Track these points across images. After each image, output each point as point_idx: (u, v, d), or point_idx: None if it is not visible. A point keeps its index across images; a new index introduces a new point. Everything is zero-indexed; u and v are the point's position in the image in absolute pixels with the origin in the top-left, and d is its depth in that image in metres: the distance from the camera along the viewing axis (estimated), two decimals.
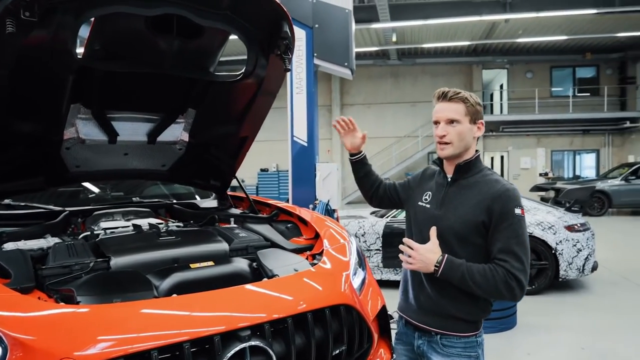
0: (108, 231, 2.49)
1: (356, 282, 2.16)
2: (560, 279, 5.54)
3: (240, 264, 2.01)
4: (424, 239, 1.68)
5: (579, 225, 5.78)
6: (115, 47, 2.19)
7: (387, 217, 6.62)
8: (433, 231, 1.66)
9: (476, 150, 1.78)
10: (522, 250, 1.61)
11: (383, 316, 2.30)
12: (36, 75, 2.10)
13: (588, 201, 12.69)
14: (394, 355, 2.28)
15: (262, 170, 19.22)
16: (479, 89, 19.57)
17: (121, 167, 2.95)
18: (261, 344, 1.54)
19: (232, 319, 1.54)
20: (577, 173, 19.57)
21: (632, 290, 5.88)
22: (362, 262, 2.38)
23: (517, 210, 1.62)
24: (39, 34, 1.85)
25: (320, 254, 2.36)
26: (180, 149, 2.99)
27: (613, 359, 3.87)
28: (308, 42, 5.75)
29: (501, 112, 20.74)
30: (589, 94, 19.22)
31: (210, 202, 3.58)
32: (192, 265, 1.87)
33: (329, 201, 5.31)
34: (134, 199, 3.25)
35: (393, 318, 2.77)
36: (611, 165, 18.27)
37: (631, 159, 17.53)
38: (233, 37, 2.47)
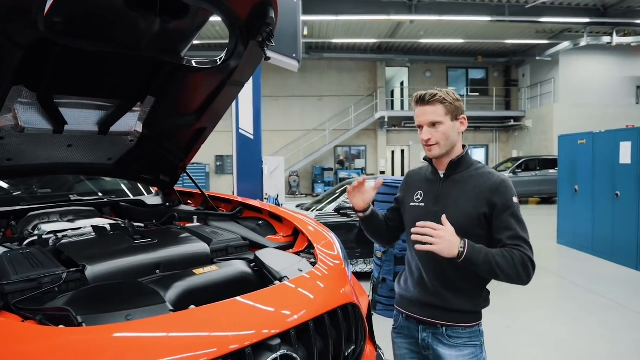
0: (60, 235, 2.17)
1: None
2: None
3: (243, 266, 1.84)
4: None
5: None
6: (82, 21, 1.86)
7: (314, 211, 6.63)
8: (444, 218, 1.60)
9: (463, 146, 1.84)
10: (527, 234, 1.68)
11: (369, 313, 2.28)
12: None
13: None
14: (377, 350, 2.28)
15: None
16: (382, 85, 20.43)
17: (61, 160, 2.57)
18: (291, 353, 1.43)
19: (261, 328, 1.41)
20: None
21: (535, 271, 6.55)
22: (346, 258, 2.33)
23: (515, 199, 1.71)
24: None
25: (305, 251, 2.27)
26: (132, 140, 2.68)
27: (535, 332, 4.29)
28: None
29: (402, 108, 21.84)
30: (479, 94, 21.01)
31: (155, 199, 3.29)
32: (196, 271, 1.68)
33: (278, 196, 5.16)
34: (71, 196, 2.86)
35: (372, 314, 2.77)
36: (498, 159, 20.19)
37: (515, 153, 19.54)
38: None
